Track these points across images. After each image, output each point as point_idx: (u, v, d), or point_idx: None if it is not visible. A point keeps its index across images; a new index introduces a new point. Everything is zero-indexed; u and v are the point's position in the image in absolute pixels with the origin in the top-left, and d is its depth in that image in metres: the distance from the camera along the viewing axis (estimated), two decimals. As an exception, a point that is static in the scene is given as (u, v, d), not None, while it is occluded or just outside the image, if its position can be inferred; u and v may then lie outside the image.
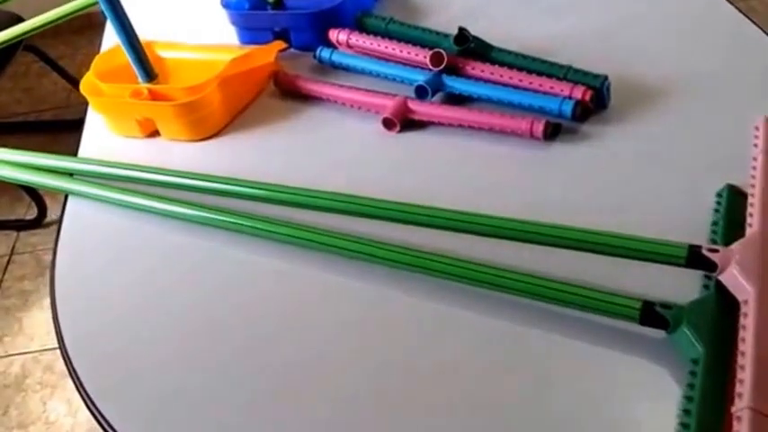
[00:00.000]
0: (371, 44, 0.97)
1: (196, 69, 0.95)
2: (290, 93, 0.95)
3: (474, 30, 0.90)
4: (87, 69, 0.93)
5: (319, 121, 0.91)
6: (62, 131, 2.52)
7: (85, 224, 0.82)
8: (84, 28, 2.98)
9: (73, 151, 0.92)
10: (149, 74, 0.90)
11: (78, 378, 0.66)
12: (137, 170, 0.82)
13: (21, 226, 2.20)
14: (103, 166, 0.84)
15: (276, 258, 0.73)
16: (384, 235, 0.70)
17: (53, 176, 0.86)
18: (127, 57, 0.88)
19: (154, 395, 0.64)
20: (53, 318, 0.73)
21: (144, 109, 0.89)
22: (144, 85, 0.90)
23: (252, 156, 0.87)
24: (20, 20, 2.14)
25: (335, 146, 0.87)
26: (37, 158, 0.88)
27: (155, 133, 0.92)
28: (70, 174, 0.87)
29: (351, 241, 0.69)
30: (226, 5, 1.03)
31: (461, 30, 0.90)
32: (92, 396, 0.64)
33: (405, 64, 0.93)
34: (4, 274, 2.05)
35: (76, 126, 0.91)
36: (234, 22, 1.03)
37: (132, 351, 0.68)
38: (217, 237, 0.76)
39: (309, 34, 1.01)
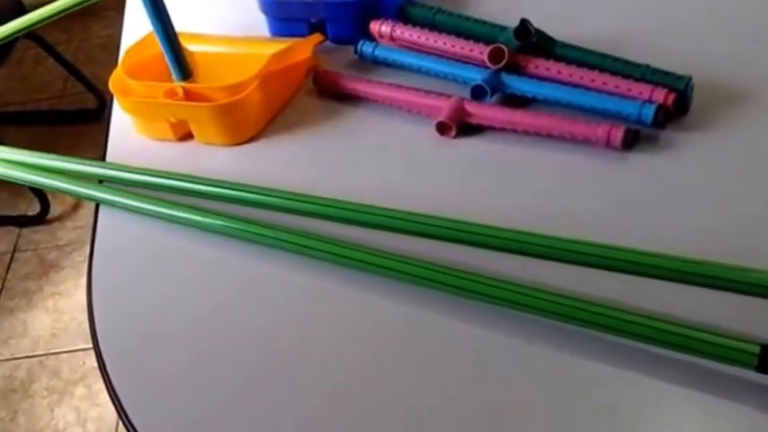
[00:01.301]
0: (418, 37, 0.88)
1: (228, 65, 0.87)
2: (329, 92, 0.87)
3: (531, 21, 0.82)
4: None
5: (366, 125, 0.83)
6: (60, 123, 2.45)
7: (120, 237, 0.75)
8: (79, 14, 2.88)
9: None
10: (185, 72, 0.81)
11: (115, 392, 0.61)
12: (176, 179, 0.74)
13: (23, 222, 2.13)
14: (138, 173, 0.76)
15: (326, 280, 0.66)
16: (444, 257, 0.63)
17: (81, 183, 0.78)
18: (162, 51, 0.79)
19: (190, 411, 0.60)
20: (92, 338, 0.66)
21: (178, 110, 0.80)
22: (179, 84, 0.81)
23: (292, 163, 0.80)
24: (20, 5, 2.08)
25: (385, 152, 0.79)
26: (61, 162, 0.80)
27: (187, 136, 0.84)
28: (99, 180, 0.79)
29: (403, 263, 0.62)
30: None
31: (523, 21, 0.82)
32: (126, 411, 0.60)
33: (456, 60, 0.85)
34: (6, 273, 1.98)
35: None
36: (265, 12, 0.95)
37: (170, 370, 0.63)
38: (260, 253, 0.69)
39: (348, 26, 0.92)
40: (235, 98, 0.78)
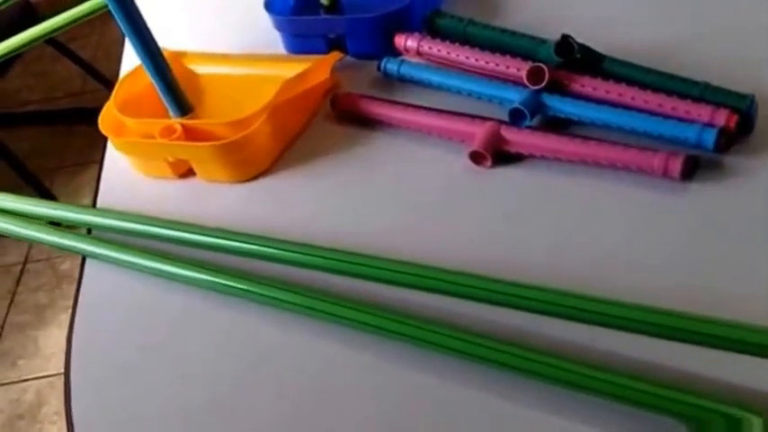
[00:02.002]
0: (448, 53, 0.79)
1: (240, 88, 0.80)
2: (349, 116, 0.78)
3: (568, 32, 0.73)
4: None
5: (391, 153, 0.74)
6: (79, 122, 2.38)
7: (108, 295, 0.68)
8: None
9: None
10: (183, 107, 0.72)
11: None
12: (173, 229, 0.66)
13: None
14: (132, 222, 0.69)
15: (350, 347, 0.58)
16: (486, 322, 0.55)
17: (67, 234, 0.70)
18: (155, 87, 0.71)
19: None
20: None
21: (177, 150, 0.73)
22: (177, 121, 0.73)
23: (308, 199, 0.72)
24: (29, 6, 2.01)
25: (412, 185, 0.71)
26: (46, 209, 0.73)
27: (189, 172, 0.76)
28: (88, 229, 0.71)
29: (444, 335, 0.54)
30: (269, 8, 0.86)
31: (565, 36, 0.73)
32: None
33: (491, 78, 0.76)
34: (17, 285, 1.92)
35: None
36: (280, 28, 0.87)
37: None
38: (273, 319, 0.61)
39: (371, 41, 0.84)
40: (240, 135, 0.70)
